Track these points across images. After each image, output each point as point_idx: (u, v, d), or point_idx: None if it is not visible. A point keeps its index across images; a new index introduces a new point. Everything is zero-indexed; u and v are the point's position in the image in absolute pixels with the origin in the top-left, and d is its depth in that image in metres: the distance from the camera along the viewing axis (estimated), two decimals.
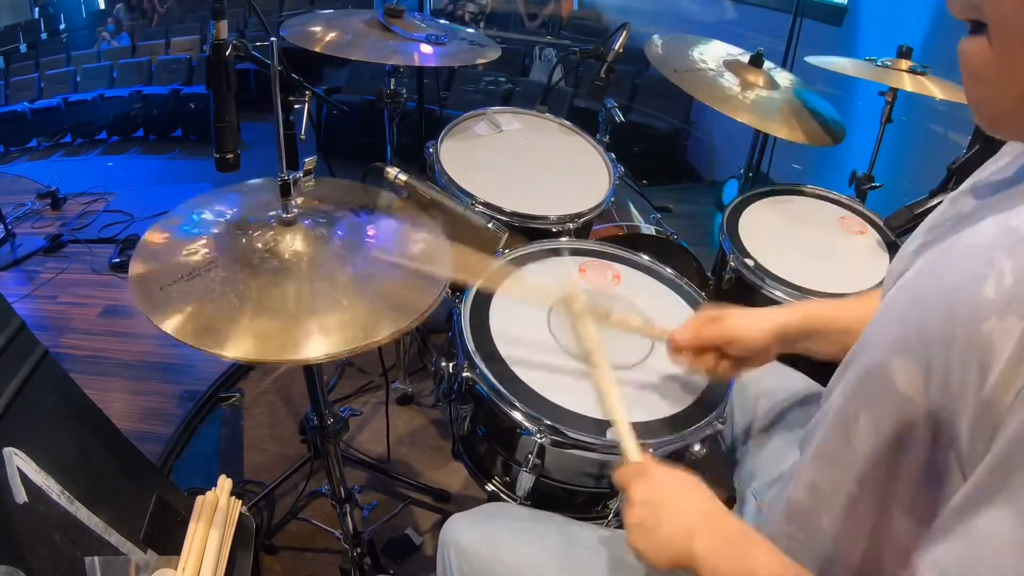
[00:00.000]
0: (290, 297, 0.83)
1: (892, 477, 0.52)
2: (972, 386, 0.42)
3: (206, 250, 0.89)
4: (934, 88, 1.52)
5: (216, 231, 0.93)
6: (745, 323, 0.85)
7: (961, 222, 0.55)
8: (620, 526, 0.97)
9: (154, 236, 0.91)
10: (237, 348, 0.76)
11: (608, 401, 0.82)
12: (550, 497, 0.98)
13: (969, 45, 0.46)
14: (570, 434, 0.86)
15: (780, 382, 1.05)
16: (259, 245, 0.90)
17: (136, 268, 0.85)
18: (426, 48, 1.49)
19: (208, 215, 0.96)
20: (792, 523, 0.65)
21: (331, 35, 1.45)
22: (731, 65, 1.63)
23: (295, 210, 0.92)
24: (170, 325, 0.77)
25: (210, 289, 0.82)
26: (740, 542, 0.62)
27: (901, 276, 0.59)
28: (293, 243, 0.90)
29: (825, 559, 0.61)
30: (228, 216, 0.97)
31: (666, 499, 0.66)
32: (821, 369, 1.03)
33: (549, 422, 0.87)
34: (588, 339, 0.92)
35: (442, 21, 1.71)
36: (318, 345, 0.78)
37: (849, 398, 0.57)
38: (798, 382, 1.05)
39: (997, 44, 0.43)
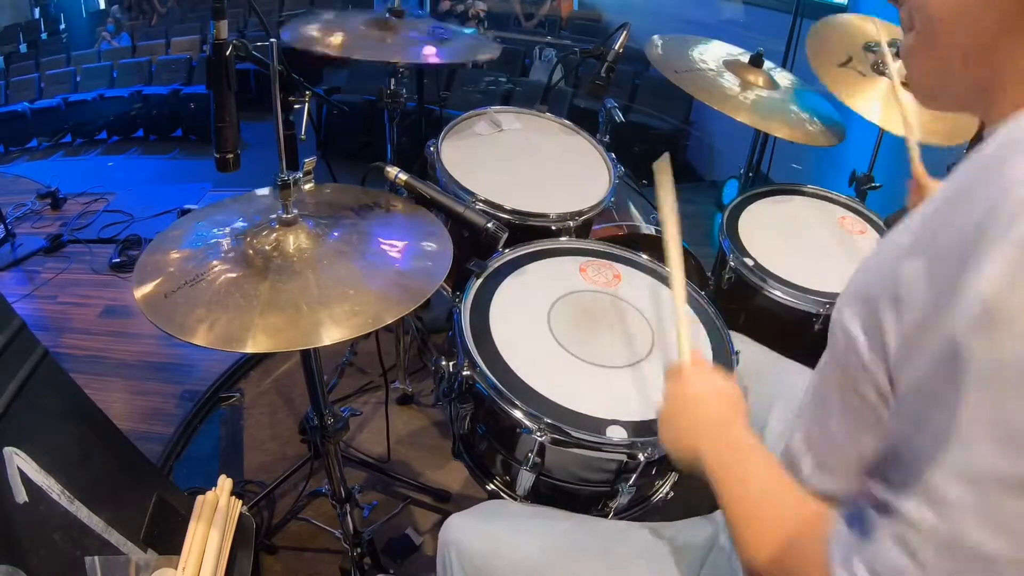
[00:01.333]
0: (297, 292, 0.83)
1: (851, 408, 0.53)
2: (890, 318, 0.45)
3: (208, 257, 0.89)
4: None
5: (217, 239, 0.93)
6: None
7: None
8: None
9: (155, 256, 0.91)
10: (254, 343, 0.76)
11: (677, 299, 0.83)
12: (550, 496, 0.98)
13: (905, 38, 0.54)
14: (571, 432, 0.86)
15: (782, 375, 1.05)
16: (264, 247, 0.90)
17: (142, 289, 0.83)
18: (428, 48, 1.49)
19: (213, 228, 0.96)
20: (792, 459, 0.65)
21: (331, 36, 1.45)
22: (731, 65, 1.63)
23: (295, 210, 0.92)
24: (186, 332, 0.77)
25: (217, 292, 0.82)
26: (742, 448, 0.64)
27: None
28: (295, 242, 0.90)
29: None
30: (230, 226, 0.96)
31: (691, 397, 0.71)
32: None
33: (549, 420, 0.87)
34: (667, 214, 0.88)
35: (443, 24, 1.71)
36: (331, 332, 0.79)
37: (826, 360, 0.59)
38: (799, 376, 1.05)
39: (921, 33, 0.51)
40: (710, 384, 0.72)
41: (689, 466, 0.68)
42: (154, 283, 0.83)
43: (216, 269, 0.85)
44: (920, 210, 0.49)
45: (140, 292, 0.82)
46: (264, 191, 1.04)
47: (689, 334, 0.80)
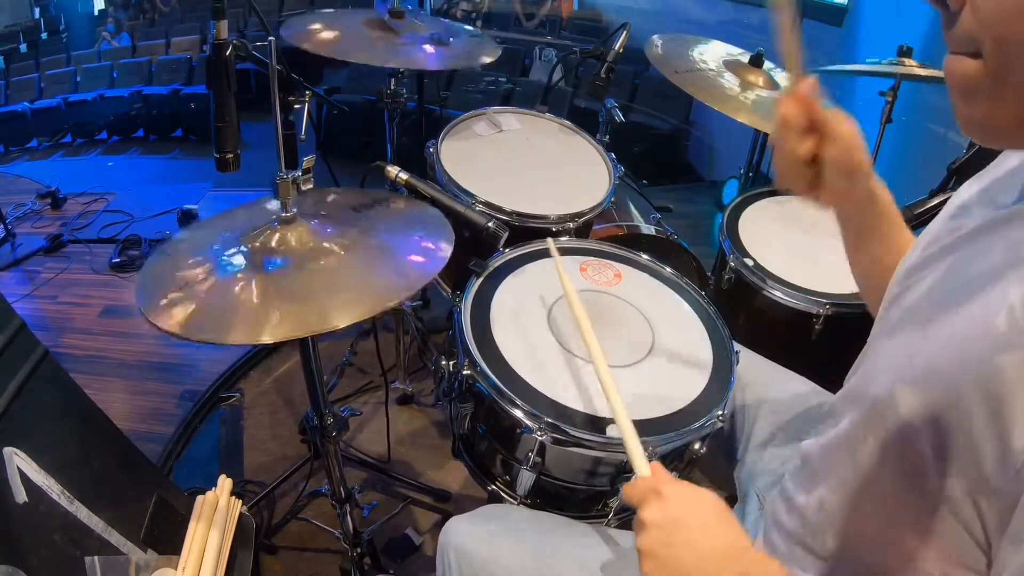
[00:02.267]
0: (301, 285, 0.84)
1: (900, 502, 0.51)
2: (985, 421, 0.41)
3: (208, 261, 0.89)
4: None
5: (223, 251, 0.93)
6: (860, 143, 0.72)
7: (966, 240, 0.53)
8: (620, 525, 0.97)
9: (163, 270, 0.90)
10: (268, 335, 0.77)
11: (614, 410, 0.74)
12: (551, 495, 0.98)
13: (960, 65, 0.44)
14: (571, 432, 0.86)
15: (781, 384, 1.05)
16: (268, 245, 0.90)
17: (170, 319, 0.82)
18: (428, 48, 1.49)
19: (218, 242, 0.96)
20: (804, 531, 0.64)
21: (331, 36, 1.45)
22: (731, 65, 1.64)
23: (294, 209, 0.92)
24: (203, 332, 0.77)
25: (220, 292, 0.82)
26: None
27: (903, 295, 0.57)
28: (297, 239, 0.90)
29: (831, 570, 0.60)
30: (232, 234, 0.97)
31: (683, 525, 0.58)
32: (823, 370, 1.04)
33: (550, 420, 0.87)
34: (590, 345, 0.88)
35: (445, 21, 1.71)
36: (343, 315, 0.79)
37: (856, 424, 0.56)
38: (799, 383, 1.05)
39: (993, 66, 0.41)
40: (691, 498, 0.60)
41: None
42: (165, 299, 0.83)
43: (221, 272, 0.85)
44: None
45: (153, 310, 0.81)
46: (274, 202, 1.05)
47: (638, 442, 0.69)
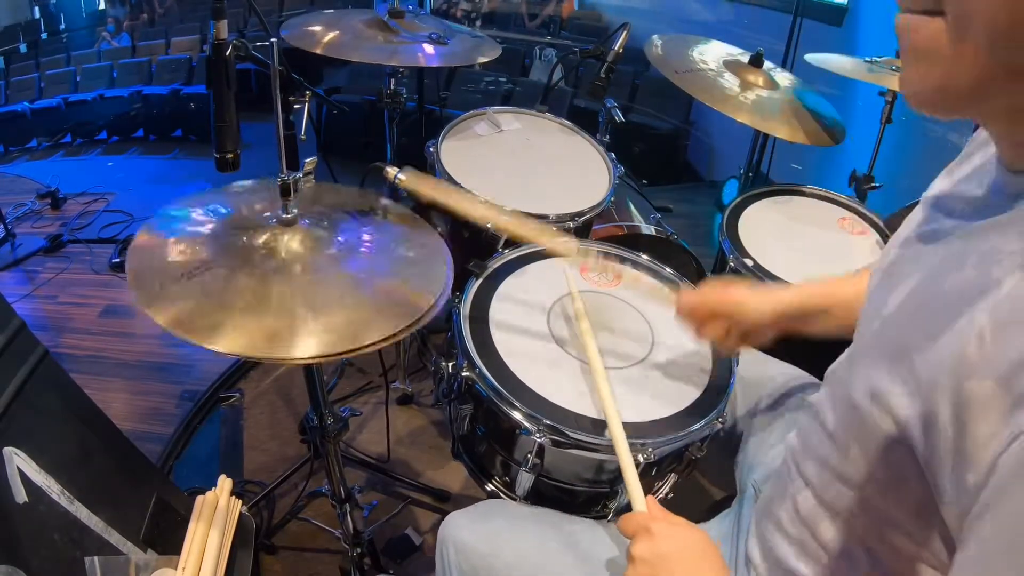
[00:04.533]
0: (287, 295, 0.83)
1: (888, 506, 0.52)
2: (951, 439, 0.43)
3: (203, 248, 0.89)
4: None
5: (212, 230, 0.93)
6: (750, 300, 0.87)
7: (940, 246, 0.53)
8: None
9: (147, 236, 0.91)
10: (228, 343, 0.75)
11: (618, 450, 0.80)
12: (550, 497, 0.98)
13: (918, 24, 0.42)
14: (570, 434, 0.86)
15: (779, 376, 1.05)
16: (258, 243, 0.90)
17: (132, 264, 0.84)
18: (428, 48, 1.49)
19: (202, 214, 0.96)
20: (794, 525, 0.64)
21: (331, 35, 1.45)
22: (731, 65, 1.63)
23: (295, 210, 0.92)
24: (164, 319, 0.77)
25: (208, 285, 0.82)
26: None
27: (882, 300, 0.57)
28: (293, 243, 0.90)
29: (824, 565, 0.61)
30: (224, 214, 0.97)
31: (669, 560, 0.64)
32: (820, 363, 1.04)
33: (549, 422, 0.87)
34: (591, 358, 0.93)
35: (445, 22, 1.71)
36: (310, 345, 0.76)
37: (842, 428, 0.58)
38: (797, 376, 1.05)
39: (953, 21, 0.40)
40: (681, 538, 0.67)
41: None
42: (149, 276, 0.83)
43: (213, 265, 0.85)
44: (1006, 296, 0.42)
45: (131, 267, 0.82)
46: (245, 183, 1.04)
47: (637, 479, 0.75)
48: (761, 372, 1.07)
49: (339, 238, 0.94)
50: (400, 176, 1.05)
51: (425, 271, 0.93)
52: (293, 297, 0.83)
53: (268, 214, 0.95)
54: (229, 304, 0.80)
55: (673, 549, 0.65)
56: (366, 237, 0.97)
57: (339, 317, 0.81)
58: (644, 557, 0.64)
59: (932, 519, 0.47)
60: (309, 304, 0.82)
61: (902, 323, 0.52)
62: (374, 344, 0.78)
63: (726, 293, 0.88)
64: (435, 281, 0.90)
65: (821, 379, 1.02)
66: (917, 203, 0.62)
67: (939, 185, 0.60)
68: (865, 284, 0.65)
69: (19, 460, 0.94)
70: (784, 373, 1.06)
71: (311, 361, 0.77)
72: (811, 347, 0.84)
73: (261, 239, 0.90)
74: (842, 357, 0.66)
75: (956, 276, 0.47)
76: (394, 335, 0.80)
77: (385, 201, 1.07)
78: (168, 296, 0.80)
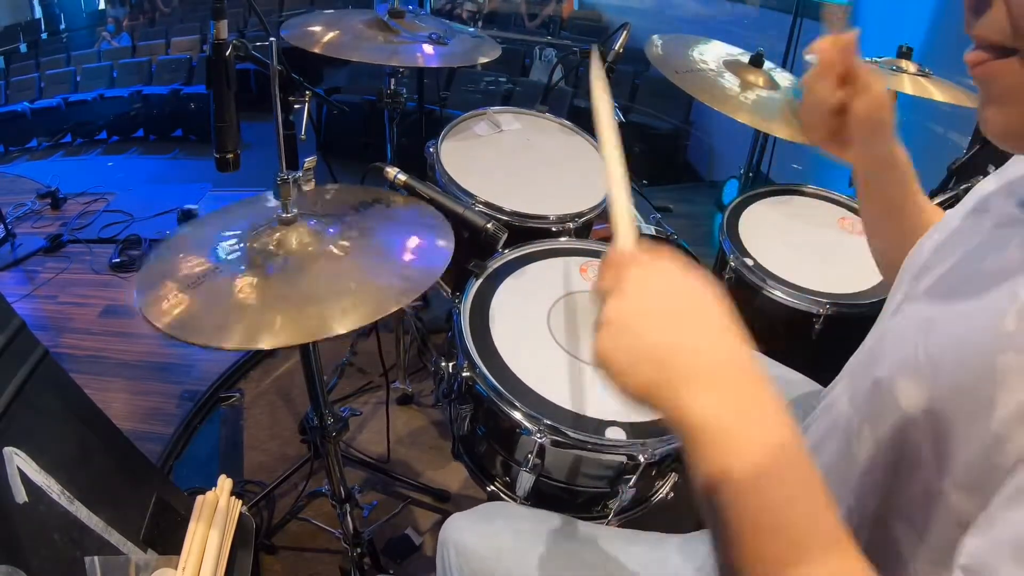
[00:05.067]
0: (300, 288, 0.83)
1: (893, 494, 0.51)
2: (978, 417, 0.41)
3: (207, 260, 0.89)
4: (933, 90, 1.52)
5: (222, 244, 0.93)
6: (887, 96, 0.73)
7: (982, 235, 0.52)
8: (620, 526, 0.97)
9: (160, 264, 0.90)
10: (265, 340, 0.76)
11: (611, 171, 0.54)
12: (550, 497, 0.98)
13: (996, 66, 0.42)
14: (570, 434, 0.86)
15: (779, 380, 1.05)
16: (266, 247, 0.90)
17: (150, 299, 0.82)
18: (428, 48, 1.48)
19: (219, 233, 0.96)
20: None
21: (331, 35, 1.45)
22: (731, 65, 1.63)
23: (295, 209, 0.92)
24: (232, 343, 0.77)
25: (222, 294, 0.82)
26: (787, 439, 0.40)
27: (913, 284, 0.56)
28: (297, 240, 0.90)
29: None
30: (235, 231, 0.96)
31: (673, 297, 0.44)
32: (823, 370, 1.04)
33: (549, 422, 0.87)
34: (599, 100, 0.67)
35: (445, 22, 1.71)
36: (345, 321, 0.78)
37: (855, 407, 0.56)
38: (798, 381, 1.05)
39: None
40: (691, 277, 0.45)
41: (639, 401, 0.42)
42: (162, 293, 0.83)
43: (220, 272, 0.85)
44: None
45: (149, 306, 0.81)
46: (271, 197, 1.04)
47: (628, 207, 0.52)
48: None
49: (345, 229, 0.95)
50: (400, 176, 1.06)
51: (432, 242, 0.95)
52: (308, 287, 0.84)
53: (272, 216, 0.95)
54: (270, 305, 0.81)
55: (679, 286, 0.44)
56: (371, 223, 0.99)
57: (364, 294, 0.83)
58: (637, 289, 0.44)
59: (936, 507, 0.46)
60: (333, 289, 0.83)
61: (933, 302, 0.51)
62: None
63: (878, 80, 0.71)
64: (444, 239, 0.94)
65: (823, 385, 1.03)
66: None
67: (989, 184, 0.59)
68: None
69: (19, 460, 0.94)
70: (786, 377, 1.06)
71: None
72: (814, 354, 0.84)
73: (268, 242, 0.91)
74: (863, 346, 0.65)
75: (996, 256, 0.46)
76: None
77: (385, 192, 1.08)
78: (224, 325, 0.79)
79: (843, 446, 0.57)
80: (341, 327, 0.78)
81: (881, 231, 0.80)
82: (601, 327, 0.43)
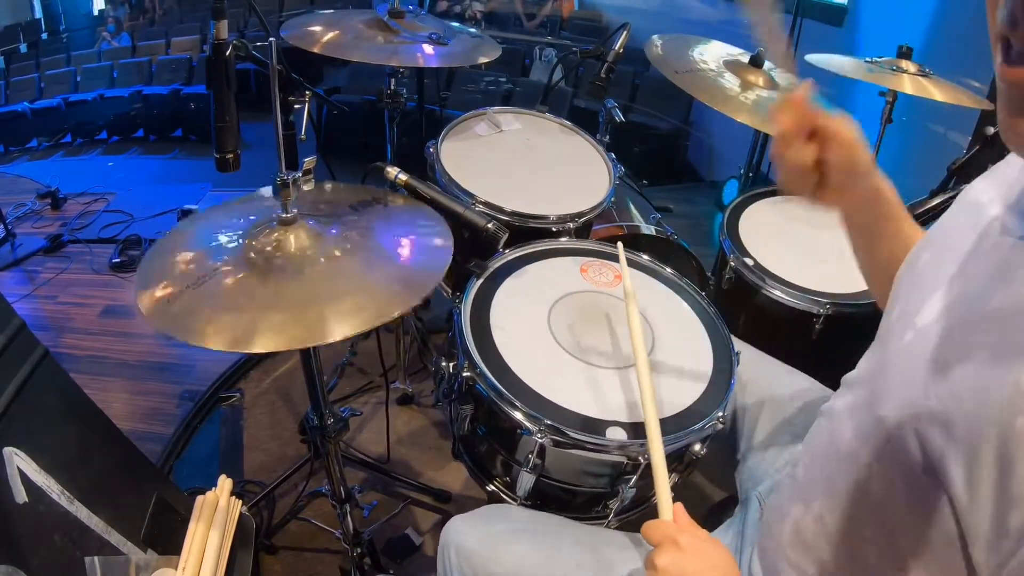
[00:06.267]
0: (299, 290, 0.83)
1: (903, 532, 0.50)
2: (995, 474, 0.40)
3: (211, 260, 0.89)
4: (933, 90, 1.52)
5: (220, 242, 0.93)
6: (859, 145, 0.71)
7: (985, 258, 0.50)
8: (620, 526, 0.97)
9: (158, 261, 0.90)
10: (261, 343, 0.76)
11: (653, 459, 0.73)
12: (550, 497, 0.98)
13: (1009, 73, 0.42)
14: (571, 434, 0.86)
15: (782, 382, 1.05)
16: (265, 248, 0.90)
17: (146, 296, 0.83)
18: (428, 48, 1.48)
19: (216, 231, 0.96)
20: (796, 548, 0.63)
21: (331, 35, 1.45)
22: (731, 65, 1.63)
23: (295, 210, 0.92)
24: (193, 336, 0.76)
25: (221, 294, 0.82)
26: None
27: (915, 311, 0.54)
28: (296, 241, 0.90)
29: None
30: (232, 229, 0.96)
31: None
32: (823, 370, 1.04)
33: (549, 422, 0.87)
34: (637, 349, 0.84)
35: (444, 22, 1.71)
36: (336, 329, 0.78)
37: (861, 441, 0.55)
38: (801, 383, 1.05)
39: None
40: (707, 554, 0.62)
41: None
42: (158, 288, 0.83)
43: (219, 271, 0.85)
44: None
45: (144, 300, 0.81)
46: (267, 191, 1.04)
47: (667, 484, 0.70)
48: (762, 373, 1.06)
49: (345, 229, 0.95)
50: (401, 176, 1.05)
51: (432, 243, 0.95)
52: (316, 288, 0.84)
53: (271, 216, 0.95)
54: (268, 306, 0.81)
55: (698, 568, 0.60)
56: (372, 224, 0.98)
57: (363, 297, 0.83)
58: (668, 570, 0.60)
59: (957, 557, 0.45)
60: (332, 292, 0.83)
61: (941, 339, 0.49)
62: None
63: (844, 125, 0.70)
64: (444, 241, 0.95)
65: (826, 384, 1.02)
66: (918, 202, 0.62)
67: (981, 191, 0.57)
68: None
69: (19, 460, 0.94)
70: (788, 378, 1.06)
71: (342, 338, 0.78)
72: (814, 354, 0.84)
73: (266, 242, 0.90)
74: (864, 364, 0.63)
75: (1004, 292, 0.45)
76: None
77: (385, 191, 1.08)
78: (214, 320, 0.79)
79: (849, 479, 0.56)
80: (341, 332, 0.77)
81: (872, 262, 0.81)
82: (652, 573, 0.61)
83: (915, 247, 0.63)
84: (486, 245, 1.13)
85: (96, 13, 8.84)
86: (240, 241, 0.91)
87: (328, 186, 1.07)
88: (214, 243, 0.92)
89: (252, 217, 0.97)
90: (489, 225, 1.10)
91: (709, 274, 1.63)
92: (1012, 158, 0.56)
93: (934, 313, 0.51)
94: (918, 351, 0.50)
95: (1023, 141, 0.43)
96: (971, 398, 0.43)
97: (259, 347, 0.76)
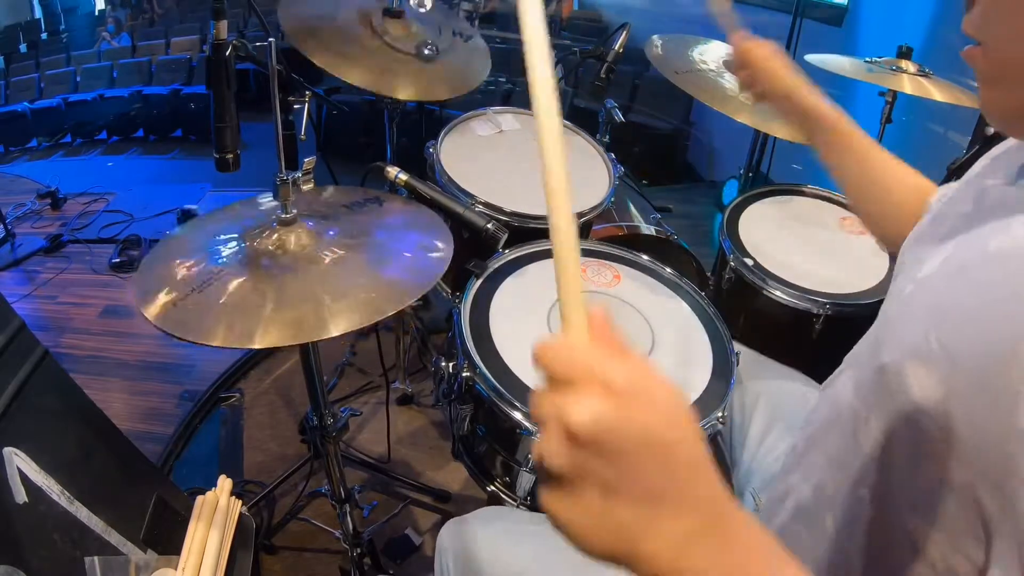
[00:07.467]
0: (300, 288, 0.84)
1: (903, 484, 0.50)
2: (999, 411, 0.39)
3: (213, 262, 0.89)
4: (933, 90, 1.52)
5: (221, 245, 0.93)
6: (781, 70, 0.95)
7: (982, 213, 0.51)
8: None
9: (159, 265, 0.90)
10: (263, 339, 0.77)
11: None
12: None
13: (972, 52, 0.49)
14: None
15: (780, 381, 1.05)
16: (267, 247, 0.90)
17: (149, 302, 0.82)
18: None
19: (216, 235, 0.96)
20: (798, 521, 0.63)
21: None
22: (731, 65, 1.63)
23: (294, 210, 0.92)
24: (195, 333, 0.77)
25: (224, 294, 0.82)
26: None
27: (915, 267, 0.55)
28: (297, 241, 0.90)
29: (829, 561, 0.59)
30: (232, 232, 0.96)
31: (643, 448, 0.34)
32: (823, 370, 1.04)
33: None
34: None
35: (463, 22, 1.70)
36: (340, 322, 0.79)
37: (861, 397, 0.55)
38: (798, 381, 1.05)
39: (991, 59, 0.47)
40: (658, 409, 0.35)
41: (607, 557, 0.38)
42: (161, 293, 0.83)
43: (221, 273, 0.85)
44: None
45: (150, 306, 0.81)
46: (267, 197, 1.04)
47: (577, 263, 0.39)
48: (761, 373, 1.06)
49: (344, 230, 0.95)
50: (401, 176, 1.06)
51: (432, 243, 0.95)
52: (313, 287, 0.84)
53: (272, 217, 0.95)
54: (271, 304, 0.81)
55: (647, 421, 0.34)
56: (370, 223, 0.99)
57: (360, 296, 0.84)
58: (598, 438, 0.33)
59: (950, 497, 0.44)
60: (330, 291, 0.84)
61: (940, 286, 0.50)
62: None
63: (769, 55, 0.96)
64: (444, 241, 0.96)
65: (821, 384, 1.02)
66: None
67: (989, 162, 0.59)
68: (903, 175, 0.80)
69: (19, 460, 0.94)
70: (787, 378, 1.06)
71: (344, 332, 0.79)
72: (814, 354, 0.84)
73: (267, 243, 0.90)
74: (866, 336, 0.63)
75: (1002, 237, 0.45)
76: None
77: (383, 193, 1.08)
78: (213, 320, 0.79)
79: (848, 438, 0.55)
80: (339, 327, 0.78)
81: (844, 182, 0.88)
82: (555, 455, 0.34)
83: (920, 223, 0.64)
84: (486, 245, 1.13)
85: (96, 13, 8.84)
86: (241, 243, 0.91)
87: (328, 193, 1.07)
88: (215, 246, 0.92)
89: (253, 218, 0.97)
90: (489, 225, 1.10)
91: (709, 274, 1.63)
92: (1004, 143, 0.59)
93: (934, 266, 0.52)
94: (918, 301, 0.51)
95: (991, 108, 0.49)
96: (973, 333, 0.42)
97: (263, 343, 0.76)
